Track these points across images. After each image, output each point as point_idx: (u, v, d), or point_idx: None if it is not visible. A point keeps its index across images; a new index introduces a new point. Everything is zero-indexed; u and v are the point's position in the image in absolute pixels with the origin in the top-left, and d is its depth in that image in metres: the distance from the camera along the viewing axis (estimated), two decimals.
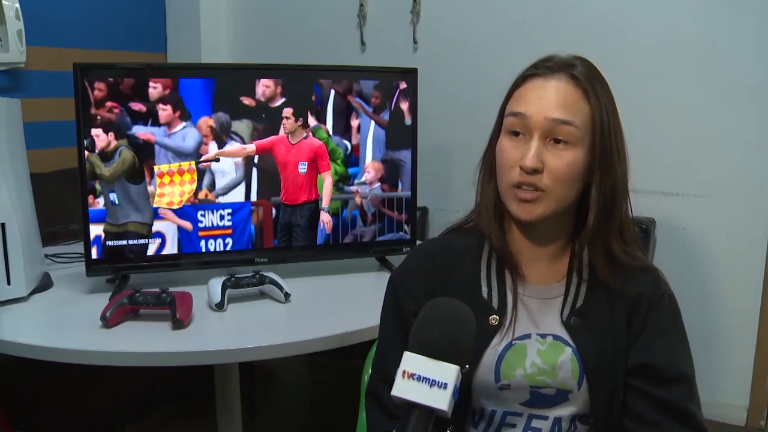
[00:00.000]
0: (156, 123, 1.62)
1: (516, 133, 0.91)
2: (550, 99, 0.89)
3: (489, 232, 0.97)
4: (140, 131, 1.61)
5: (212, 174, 1.69)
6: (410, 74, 1.81)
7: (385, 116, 1.80)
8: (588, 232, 0.93)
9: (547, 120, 0.88)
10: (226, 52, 3.08)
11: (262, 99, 1.70)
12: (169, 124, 1.63)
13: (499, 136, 0.95)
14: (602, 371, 0.92)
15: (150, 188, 1.63)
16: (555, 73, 0.91)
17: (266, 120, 1.71)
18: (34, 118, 2.03)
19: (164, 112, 1.62)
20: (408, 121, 1.82)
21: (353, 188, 1.80)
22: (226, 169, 1.70)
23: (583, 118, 0.89)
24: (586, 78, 0.91)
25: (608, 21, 2.39)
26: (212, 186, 1.69)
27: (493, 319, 0.95)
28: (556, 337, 0.94)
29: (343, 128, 1.78)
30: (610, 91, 0.94)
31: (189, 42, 2.97)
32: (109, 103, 1.57)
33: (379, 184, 1.82)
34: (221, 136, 1.68)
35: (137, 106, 1.59)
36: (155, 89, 1.61)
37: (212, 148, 1.68)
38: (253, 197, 1.73)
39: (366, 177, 1.81)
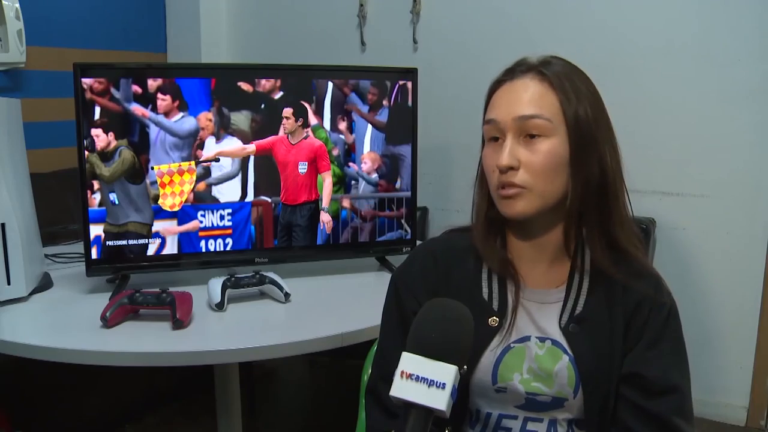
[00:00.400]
0: (155, 111, 1.63)
1: (495, 139, 0.93)
2: (517, 99, 0.90)
3: (481, 247, 0.97)
4: (137, 107, 1.60)
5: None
6: (410, 74, 1.81)
7: (384, 116, 1.80)
8: (570, 213, 0.92)
9: (515, 120, 0.90)
10: (226, 52, 3.08)
11: (262, 91, 1.70)
12: (167, 113, 1.63)
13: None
14: (598, 380, 0.92)
15: (148, 181, 1.63)
16: (524, 74, 0.92)
17: (265, 111, 1.70)
18: (34, 118, 2.03)
19: (163, 102, 1.62)
20: (407, 120, 1.82)
21: (352, 167, 1.80)
22: (224, 162, 1.70)
23: (552, 109, 0.90)
24: (554, 72, 0.91)
25: (608, 21, 2.39)
26: (207, 175, 1.69)
27: (493, 320, 0.95)
28: (554, 342, 0.94)
29: (341, 128, 1.78)
30: (590, 81, 0.94)
31: (189, 42, 2.97)
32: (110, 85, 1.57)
33: (376, 174, 1.82)
34: (219, 130, 1.68)
35: (136, 89, 1.60)
36: (155, 81, 1.61)
37: (210, 143, 1.67)
38: (250, 192, 1.72)
39: (363, 167, 1.81)
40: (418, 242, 1.81)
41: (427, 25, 2.70)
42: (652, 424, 0.89)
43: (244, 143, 1.70)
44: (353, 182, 1.81)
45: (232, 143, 1.69)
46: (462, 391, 0.93)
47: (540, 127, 0.89)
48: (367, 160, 1.81)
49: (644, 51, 2.35)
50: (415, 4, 2.69)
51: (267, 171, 1.73)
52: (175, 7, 2.99)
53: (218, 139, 1.68)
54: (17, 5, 2.23)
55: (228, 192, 1.71)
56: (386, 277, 1.73)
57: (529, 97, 0.90)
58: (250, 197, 1.72)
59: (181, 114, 1.64)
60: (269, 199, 1.74)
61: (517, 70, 0.93)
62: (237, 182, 1.71)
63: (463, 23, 2.63)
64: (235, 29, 3.08)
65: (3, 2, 2.18)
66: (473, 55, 2.61)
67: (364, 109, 1.79)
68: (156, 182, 1.64)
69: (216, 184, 1.70)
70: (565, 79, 0.91)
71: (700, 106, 2.31)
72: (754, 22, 2.21)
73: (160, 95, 1.61)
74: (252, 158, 1.71)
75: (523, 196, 0.90)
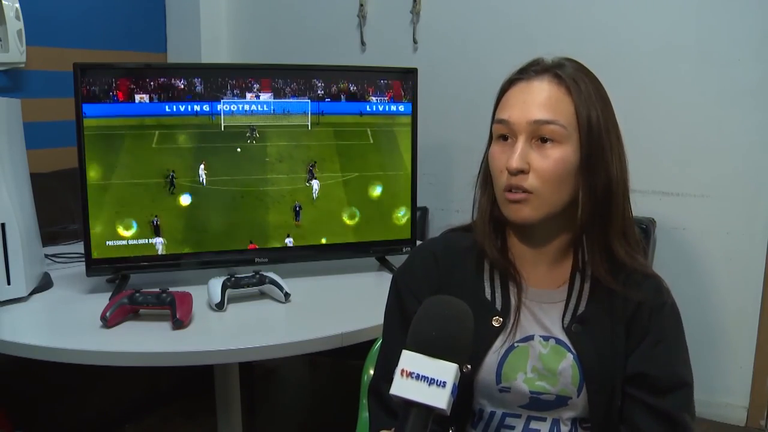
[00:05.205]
0: None
1: (505, 138, 0.92)
2: (532, 101, 0.89)
3: (484, 245, 0.97)
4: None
5: None
6: (410, 74, 1.81)
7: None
8: (577, 229, 0.92)
9: (530, 123, 0.88)
10: (226, 52, 3.08)
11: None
12: None
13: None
14: (601, 378, 0.92)
15: None
16: (540, 75, 0.91)
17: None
18: (34, 118, 2.03)
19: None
20: (407, 120, 1.81)
21: None
22: None
23: (567, 116, 0.89)
24: (570, 76, 0.90)
25: (608, 21, 2.39)
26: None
27: (497, 320, 0.94)
28: (558, 341, 0.94)
29: None
30: (603, 88, 0.93)
31: (189, 42, 2.97)
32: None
33: None
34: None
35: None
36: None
37: None
38: None
39: None
40: (418, 242, 1.81)
41: (427, 25, 2.70)
42: (661, 421, 0.90)
43: None
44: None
45: None
46: (466, 391, 0.93)
47: (554, 133, 0.88)
48: None
49: (644, 51, 2.35)
50: (415, 4, 2.69)
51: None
52: (175, 7, 2.99)
53: None
54: (17, 5, 2.23)
55: None
56: (386, 277, 1.74)
57: (545, 101, 0.89)
58: None
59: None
60: None
61: (531, 70, 0.92)
62: None
63: (463, 23, 2.63)
64: (235, 29, 3.08)
65: (3, 2, 2.18)
66: (473, 55, 2.61)
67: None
68: None
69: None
70: (581, 85, 0.90)
71: (700, 106, 2.31)
72: (754, 22, 2.21)
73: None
74: None
75: (530, 202, 0.89)
